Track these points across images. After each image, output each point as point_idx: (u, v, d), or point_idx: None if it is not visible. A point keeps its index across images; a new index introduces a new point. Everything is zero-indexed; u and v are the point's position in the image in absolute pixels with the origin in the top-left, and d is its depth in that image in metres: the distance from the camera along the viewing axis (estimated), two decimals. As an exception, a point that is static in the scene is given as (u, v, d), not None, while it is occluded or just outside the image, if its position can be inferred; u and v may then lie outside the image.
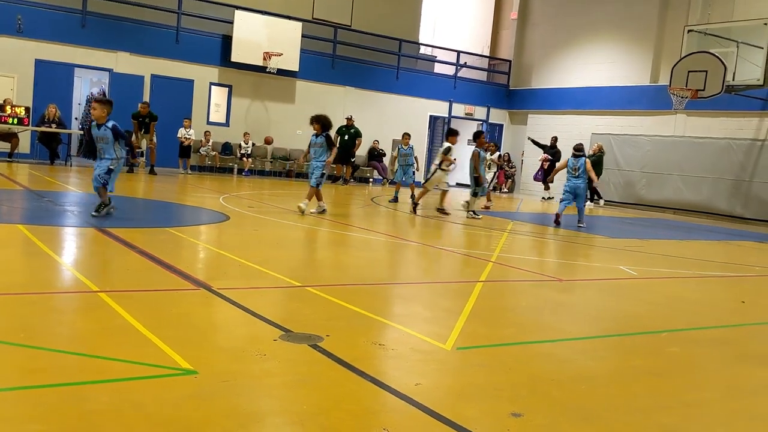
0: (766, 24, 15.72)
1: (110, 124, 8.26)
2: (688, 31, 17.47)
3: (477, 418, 3.00)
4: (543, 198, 21.21)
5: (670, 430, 3.07)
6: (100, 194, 8.24)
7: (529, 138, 22.29)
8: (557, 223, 12.20)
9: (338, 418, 2.88)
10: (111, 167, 8.22)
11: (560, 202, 12.68)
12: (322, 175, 10.86)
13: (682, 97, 16.68)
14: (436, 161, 12.90)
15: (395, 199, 14.85)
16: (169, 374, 3.19)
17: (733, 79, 16.13)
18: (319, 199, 11.07)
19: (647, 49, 21.08)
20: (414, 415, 2.99)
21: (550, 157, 20.61)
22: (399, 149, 15.35)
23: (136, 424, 2.64)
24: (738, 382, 4.02)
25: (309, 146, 11.19)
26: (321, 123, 10.94)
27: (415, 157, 15.63)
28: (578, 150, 12.53)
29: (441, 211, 12.69)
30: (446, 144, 12.78)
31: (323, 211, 11.02)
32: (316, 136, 10.96)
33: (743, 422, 3.31)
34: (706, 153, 18.91)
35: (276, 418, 2.89)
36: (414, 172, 15.16)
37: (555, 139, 21.24)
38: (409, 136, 15.77)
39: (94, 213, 8.16)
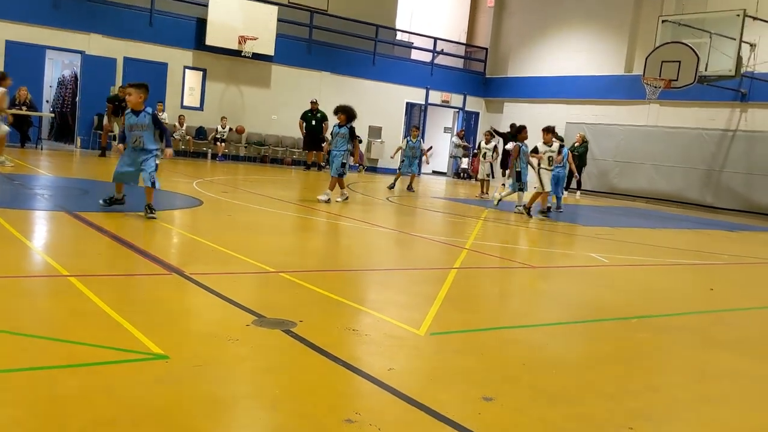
0: (738, 15, 15.90)
1: (150, 110, 7.68)
2: (663, 21, 17.62)
3: (448, 401, 3.02)
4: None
5: (637, 414, 3.12)
6: (119, 188, 7.89)
7: (491, 128, 22.46)
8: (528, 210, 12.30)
9: (311, 403, 2.88)
10: (157, 162, 7.79)
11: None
12: (343, 164, 11.08)
13: (655, 87, 16.84)
14: (534, 162, 12.32)
15: (393, 186, 15.35)
16: (139, 359, 3.17)
17: (706, 70, 16.32)
18: (342, 187, 11.30)
19: (622, 38, 21.24)
20: (386, 399, 3.00)
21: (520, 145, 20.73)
22: (408, 141, 15.64)
23: (107, 408, 2.62)
24: (705, 367, 4.10)
25: (332, 135, 11.42)
26: (346, 114, 11.16)
27: (423, 149, 16.07)
28: (560, 141, 13.17)
29: (542, 212, 12.13)
30: (536, 144, 12.45)
31: (346, 199, 11.22)
32: (340, 126, 11.20)
33: (709, 406, 3.38)
34: (679, 143, 19.15)
35: (248, 402, 2.88)
36: (419, 164, 15.46)
37: (513, 126, 21.57)
38: (418, 128, 16.15)
39: (102, 202, 7.78)
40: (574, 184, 20.22)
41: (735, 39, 15.93)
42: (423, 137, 25.00)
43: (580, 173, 19.19)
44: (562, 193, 13.68)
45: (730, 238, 11.89)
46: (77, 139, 18.47)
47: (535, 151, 12.38)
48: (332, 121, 20.67)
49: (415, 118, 24.98)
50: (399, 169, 15.58)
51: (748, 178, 17.83)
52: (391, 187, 15.30)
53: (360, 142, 19.89)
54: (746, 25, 15.89)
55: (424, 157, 16.46)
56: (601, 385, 3.50)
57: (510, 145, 18.83)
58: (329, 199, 10.91)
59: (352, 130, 11.22)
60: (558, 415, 3.00)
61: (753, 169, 17.73)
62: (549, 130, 12.56)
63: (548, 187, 12.21)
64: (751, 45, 17.21)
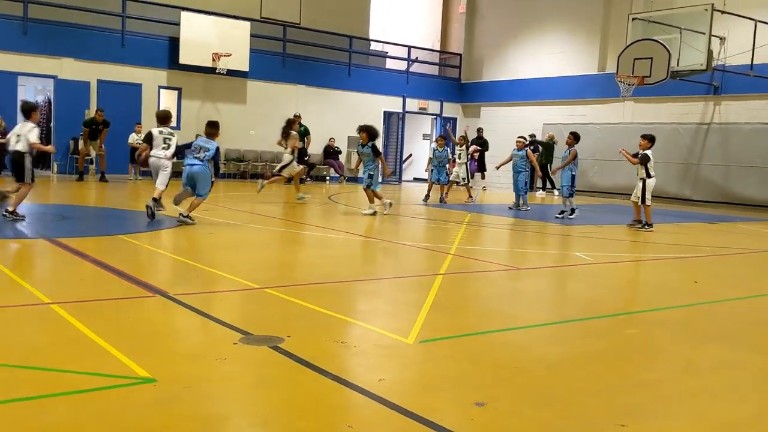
0: (707, 10, 16.10)
1: (370, 143, 11.35)
2: (633, 19, 17.80)
3: (441, 409, 3.01)
4: (483, 188, 21.99)
5: (629, 410, 3.12)
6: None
7: (447, 129, 22.88)
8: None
9: (302, 418, 2.86)
10: (371, 172, 11.42)
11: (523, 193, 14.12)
12: (370, 176, 11.73)
13: (629, 85, 16.98)
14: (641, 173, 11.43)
15: (427, 198, 15.41)
16: (127, 383, 3.13)
17: (678, 65, 16.49)
18: (379, 198, 11.95)
19: (594, 38, 21.45)
20: (378, 410, 2.99)
21: (479, 147, 21.45)
22: (434, 151, 15.66)
23: (95, 436, 2.58)
24: (693, 360, 4.12)
25: (358, 155, 12.18)
26: (368, 132, 11.66)
27: (451, 159, 16.17)
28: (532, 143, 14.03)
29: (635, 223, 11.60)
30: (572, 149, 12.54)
31: (390, 204, 12.10)
32: (362, 145, 11.74)
33: (699, 398, 3.39)
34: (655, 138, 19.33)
35: (239, 421, 2.85)
36: (447, 172, 15.60)
37: (481, 130, 22.70)
38: (444, 137, 16.09)
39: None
40: (548, 185, 20.50)
41: (705, 33, 16.13)
42: (402, 145, 25.16)
43: (545, 172, 19.48)
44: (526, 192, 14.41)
45: (710, 229, 12.00)
46: (54, 165, 18.28)
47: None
48: (316, 135, 20.95)
49: (393, 126, 25.03)
50: (430, 179, 15.60)
51: (725, 169, 18.04)
52: (426, 198, 15.36)
53: (307, 156, 19.93)
54: (715, 19, 16.11)
55: (448, 165, 16.43)
56: (593, 383, 3.51)
57: (473, 148, 19.35)
58: (376, 212, 11.63)
59: (374, 147, 11.74)
60: (551, 416, 3.00)
61: (729, 160, 17.93)
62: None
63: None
64: (720, 38, 17.44)
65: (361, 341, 4.07)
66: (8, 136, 9.11)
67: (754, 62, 16.56)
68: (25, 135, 8.59)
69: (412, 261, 7.70)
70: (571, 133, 12.97)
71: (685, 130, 18.77)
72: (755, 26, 16.44)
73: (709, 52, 16.20)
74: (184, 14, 19.25)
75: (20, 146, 8.61)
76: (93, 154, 17.08)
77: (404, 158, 25.51)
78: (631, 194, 11.72)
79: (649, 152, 11.11)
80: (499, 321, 4.90)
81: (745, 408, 3.30)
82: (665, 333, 4.72)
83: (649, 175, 11.12)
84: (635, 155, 11.29)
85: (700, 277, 7.53)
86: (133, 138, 17.76)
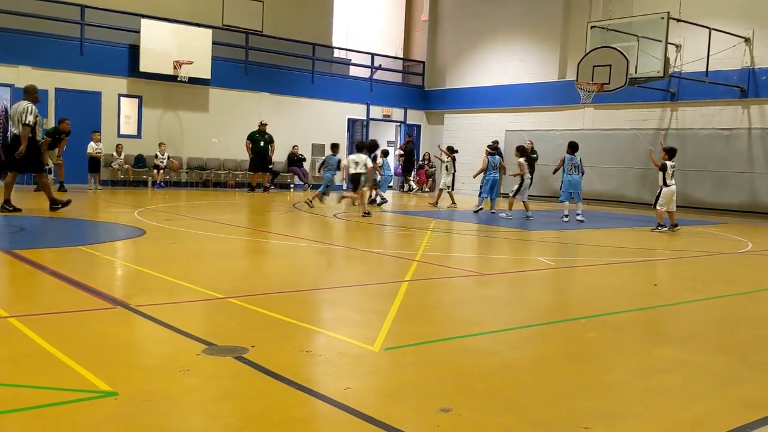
0: (663, 18, 16.46)
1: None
2: (591, 27, 18.12)
3: (406, 417, 3.02)
4: (410, 189, 23.80)
5: (591, 413, 3.17)
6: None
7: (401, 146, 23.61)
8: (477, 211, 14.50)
9: (268, 429, 2.84)
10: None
11: (480, 195, 15.06)
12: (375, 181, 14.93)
13: (588, 92, 17.26)
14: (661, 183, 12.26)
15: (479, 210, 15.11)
16: (87, 398, 3.07)
17: (636, 72, 16.82)
18: (364, 198, 13.73)
19: (554, 46, 21.77)
20: (344, 419, 2.99)
21: (402, 152, 23.87)
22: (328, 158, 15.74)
23: (54, 453, 2.53)
24: (652, 362, 4.20)
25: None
26: (365, 146, 13.69)
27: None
28: (494, 148, 15.03)
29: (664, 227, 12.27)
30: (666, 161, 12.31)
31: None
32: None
33: (657, 399, 3.46)
34: (614, 144, 19.70)
35: (203, 434, 2.83)
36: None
37: (410, 136, 24.81)
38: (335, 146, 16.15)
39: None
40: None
41: (661, 41, 16.48)
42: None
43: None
44: (497, 197, 15.25)
45: (668, 234, 12.23)
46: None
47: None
48: (280, 143, 20.84)
49: (357, 133, 25.05)
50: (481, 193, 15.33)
51: (681, 174, 18.29)
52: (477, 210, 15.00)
53: (272, 163, 20.32)
54: (671, 27, 16.48)
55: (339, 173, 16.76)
56: (555, 387, 3.55)
57: (398, 153, 20.41)
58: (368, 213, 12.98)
59: (373, 158, 13.74)
60: (515, 421, 3.03)
61: (685, 165, 18.29)
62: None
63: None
64: (676, 46, 17.86)
65: (327, 350, 4.06)
66: None
67: (709, 69, 16.98)
68: None
69: (377, 268, 7.72)
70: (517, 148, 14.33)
71: (644, 136, 19.15)
72: (710, 34, 16.87)
73: (666, 60, 16.57)
74: (144, 22, 19.04)
75: None
76: (51, 164, 16.74)
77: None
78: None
79: (668, 163, 12.08)
80: (463, 327, 4.93)
81: (700, 407, 3.37)
82: (624, 336, 4.81)
83: (665, 184, 12.05)
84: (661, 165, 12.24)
85: (659, 280, 7.68)
86: (92, 147, 17.47)
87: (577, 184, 13.57)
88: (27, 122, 10.72)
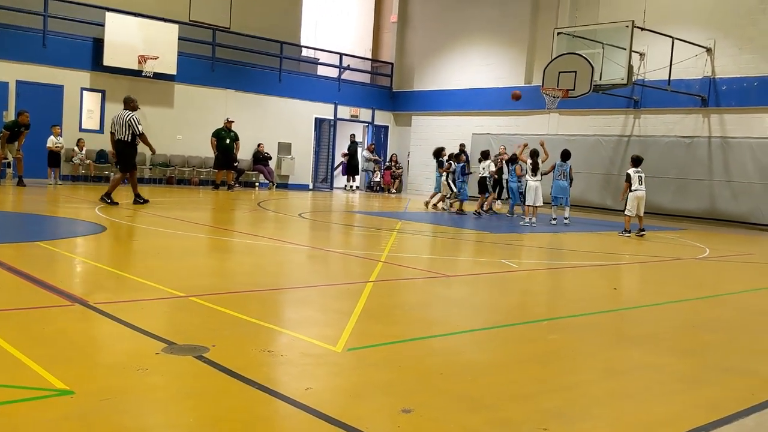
0: (627, 26, 16.71)
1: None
2: (558, 33, 18.30)
3: (368, 417, 3.00)
4: (350, 187, 24.35)
5: (553, 414, 3.19)
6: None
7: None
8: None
9: (227, 429, 2.80)
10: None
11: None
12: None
13: (554, 97, 17.44)
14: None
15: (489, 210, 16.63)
16: (42, 396, 3.00)
17: (600, 79, 17.05)
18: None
19: (521, 51, 21.97)
20: (305, 419, 2.96)
21: (347, 152, 24.27)
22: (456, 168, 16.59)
23: (5, 453, 2.46)
24: (613, 364, 4.25)
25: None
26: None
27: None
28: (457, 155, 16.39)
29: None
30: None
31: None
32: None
33: (619, 400, 3.50)
34: (579, 149, 19.88)
35: (161, 434, 2.77)
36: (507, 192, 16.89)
37: (353, 136, 24.65)
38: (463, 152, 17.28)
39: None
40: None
41: (625, 49, 16.73)
42: (333, 153, 25.09)
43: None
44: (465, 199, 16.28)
45: (630, 239, 12.42)
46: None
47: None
48: (245, 141, 20.67)
49: (325, 133, 24.97)
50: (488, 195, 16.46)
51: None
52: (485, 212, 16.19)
53: (237, 161, 20.32)
54: (635, 36, 16.72)
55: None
56: (518, 387, 3.57)
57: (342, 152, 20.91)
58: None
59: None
60: (477, 421, 3.04)
61: (647, 171, 18.41)
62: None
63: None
64: (640, 54, 18.17)
65: (289, 350, 4.02)
66: None
67: (672, 78, 17.29)
68: None
69: (342, 268, 7.69)
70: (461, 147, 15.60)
71: (607, 142, 19.44)
72: (672, 43, 17.18)
73: (630, 67, 16.82)
74: (108, 15, 18.71)
75: None
76: (10, 157, 16.36)
77: (335, 165, 25.48)
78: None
79: (630, 171, 12.89)
80: (427, 328, 4.93)
81: (661, 408, 3.42)
82: (586, 337, 4.86)
83: (630, 189, 12.70)
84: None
85: (619, 283, 7.78)
86: (52, 141, 17.10)
87: (564, 189, 14.23)
88: (141, 132, 12.77)
